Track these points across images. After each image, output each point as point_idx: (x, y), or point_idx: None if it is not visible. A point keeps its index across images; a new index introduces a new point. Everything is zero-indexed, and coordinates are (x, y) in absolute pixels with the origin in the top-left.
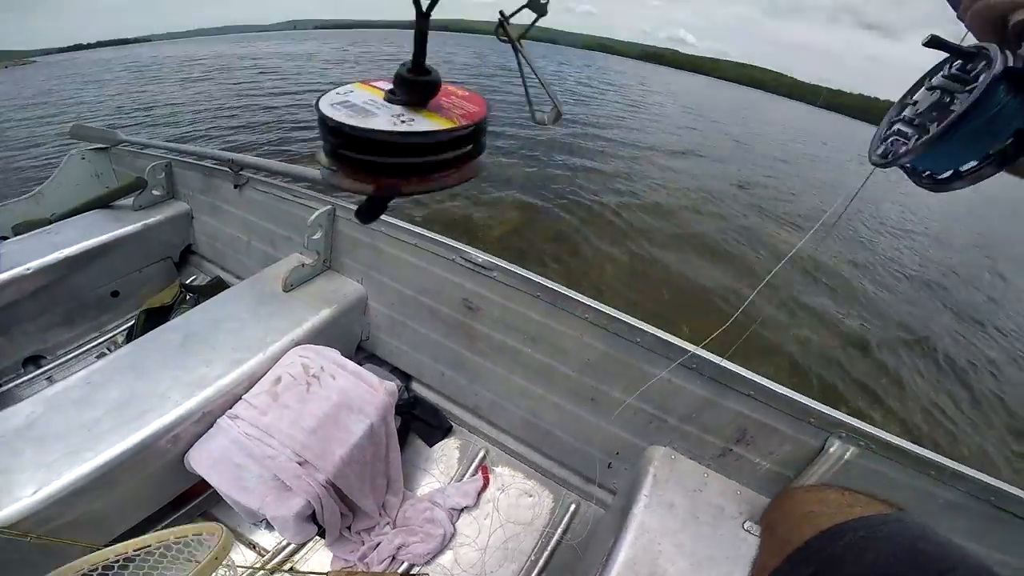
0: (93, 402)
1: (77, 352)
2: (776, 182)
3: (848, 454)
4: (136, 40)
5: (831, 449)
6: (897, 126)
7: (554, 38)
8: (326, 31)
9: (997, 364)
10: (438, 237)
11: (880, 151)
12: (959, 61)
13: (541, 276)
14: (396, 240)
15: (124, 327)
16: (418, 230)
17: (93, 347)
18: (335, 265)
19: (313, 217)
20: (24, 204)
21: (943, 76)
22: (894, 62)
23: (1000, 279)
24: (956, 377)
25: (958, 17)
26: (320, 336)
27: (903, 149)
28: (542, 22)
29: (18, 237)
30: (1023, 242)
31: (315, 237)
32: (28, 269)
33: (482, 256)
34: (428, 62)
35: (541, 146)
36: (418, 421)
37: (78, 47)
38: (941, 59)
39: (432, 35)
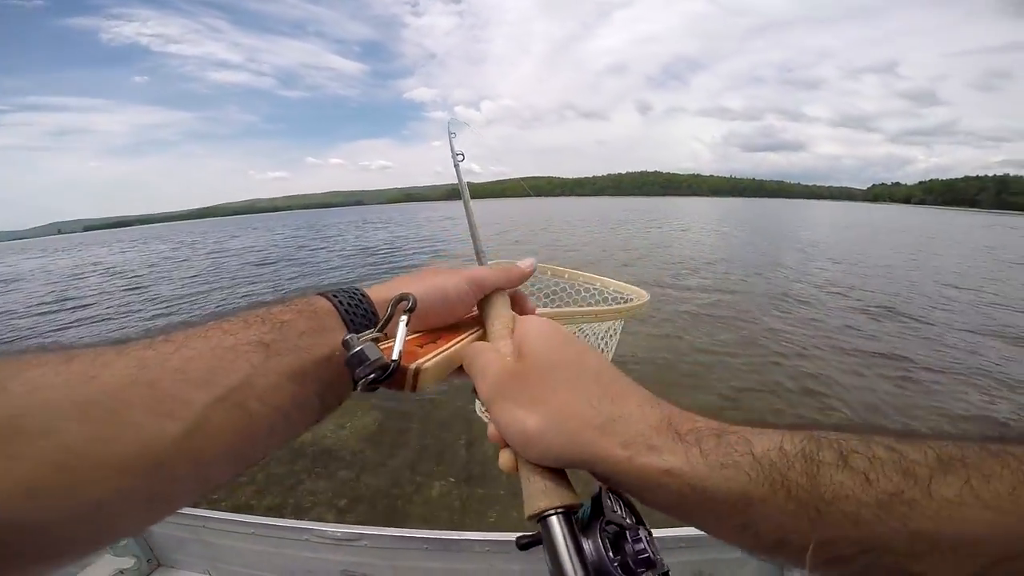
0: None
1: None
2: None
3: None
4: None
5: None
6: None
7: (360, 199)
8: (97, 232)
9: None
10: (277, 522)
11: None
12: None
13: (421, 528)
14: (229, 533)
15: None
16: (250, 519)
17: None
18: (167, 561)
19: None
20: None
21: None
22: (613, 139)
23: None
24: None
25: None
26: None
27: None
28: (348, 185)
29: None
30: None
31: (123, 544)
32: None
33: (340, 529)
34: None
35: None
36: None
37: None
38: None
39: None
